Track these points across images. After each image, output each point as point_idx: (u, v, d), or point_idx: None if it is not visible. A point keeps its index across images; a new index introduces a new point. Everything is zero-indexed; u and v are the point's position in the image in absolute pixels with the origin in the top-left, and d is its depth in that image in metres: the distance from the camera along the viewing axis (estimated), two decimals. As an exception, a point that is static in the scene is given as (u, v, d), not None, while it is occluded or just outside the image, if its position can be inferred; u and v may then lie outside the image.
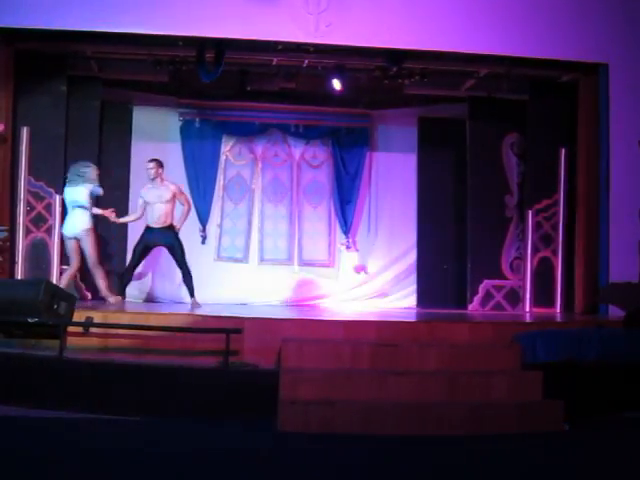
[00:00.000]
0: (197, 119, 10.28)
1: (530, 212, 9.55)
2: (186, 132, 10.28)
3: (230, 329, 6.38)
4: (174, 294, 9.63)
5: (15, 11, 8.03)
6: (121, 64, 9.54)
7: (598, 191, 8.95)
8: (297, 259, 10.53)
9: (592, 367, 6.46)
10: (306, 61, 9.16)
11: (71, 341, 6.50)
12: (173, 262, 8.78)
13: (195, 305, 8.52)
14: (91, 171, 8.51)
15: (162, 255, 9.23)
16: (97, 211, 8.60)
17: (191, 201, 9.39)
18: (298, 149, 10.66)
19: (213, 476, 4.61)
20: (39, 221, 8.90)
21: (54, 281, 8.21)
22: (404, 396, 6.03)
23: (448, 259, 10.41)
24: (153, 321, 6.75)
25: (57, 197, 8.85)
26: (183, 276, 8.70)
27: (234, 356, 6.40)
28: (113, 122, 9.81)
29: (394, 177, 10.64)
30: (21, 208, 8.82)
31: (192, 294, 8.65)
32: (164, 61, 9.15)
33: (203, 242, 10.13)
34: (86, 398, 6.01)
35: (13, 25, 8.15)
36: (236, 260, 10.45)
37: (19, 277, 8.66)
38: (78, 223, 8.38)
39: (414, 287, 10.49)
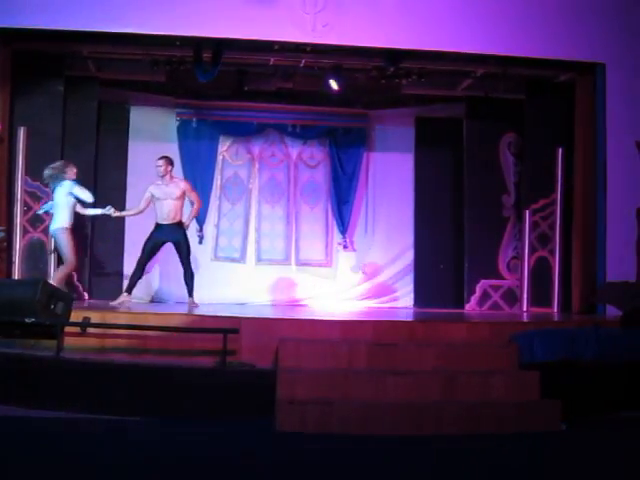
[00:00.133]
0: (194, 119, 10.28)
1: (527, 212, 9.56)
2: (183, 132, 10.27)
3: (227, 329, 6.37)
4: (180, 295, 9.56)
5: (12, 11, 8.02)
6: (118, 64, 9.54)
7: (595, 190, 8.96)
8: (294, 259, 10.53)
9: (589, 367, 6.47)
10: (303, 61, 9.16)
11: (68, 341, 6.48)
12: (179, 263, 8.74)
13: (192, 305, 8.51)
14: (61, 168, 8.14)
15: (169, 256, 9.14)
16: (95, 211, 8.53)
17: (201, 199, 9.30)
18: (295, 149, 10.66)
19: (211, 476, 4.61)
20: (36, 221, 8.87)
21: (51, 281, 8.18)
22: (401, 396, 6.04)
23: (445, 259, 10.42)
24: (150, 321, 6.74)
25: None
26: (185, 274, 8.67)
27: (231, 356, 6.39)
28: (110, 122, 9.83)
29: (391, 177, 10.65)
30: (18, 208, 8.80)
31: (191, 294, 8.64)
32: (161, 61, 9.15)
33: (200, 242, 10.11)
34: (83, 398, 6.00)
35: (10, 25, 8.14)
36: (233, 260, 10.45)
37: (16, 277, 8.65)
38: (55, 222, 8.13)
39: (411, 287, 10.50)
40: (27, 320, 6.26)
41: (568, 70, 9.30)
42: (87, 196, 8.15)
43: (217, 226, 10.43)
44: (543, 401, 6.11)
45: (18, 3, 8.06)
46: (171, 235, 8.64)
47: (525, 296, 9.53)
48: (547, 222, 9.55)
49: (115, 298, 8.60)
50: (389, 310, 10.00)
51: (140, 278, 8.76)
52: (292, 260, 10.53)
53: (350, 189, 10.56)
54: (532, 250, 9.56)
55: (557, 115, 9.53)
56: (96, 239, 9.57)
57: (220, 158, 10.51)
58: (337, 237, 10.58)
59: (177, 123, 10.25)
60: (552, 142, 9.54)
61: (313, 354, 6.40)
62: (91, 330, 6.69)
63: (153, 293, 9.96)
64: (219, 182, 10.47)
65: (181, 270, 8.71)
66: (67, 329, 6.55)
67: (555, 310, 9.32)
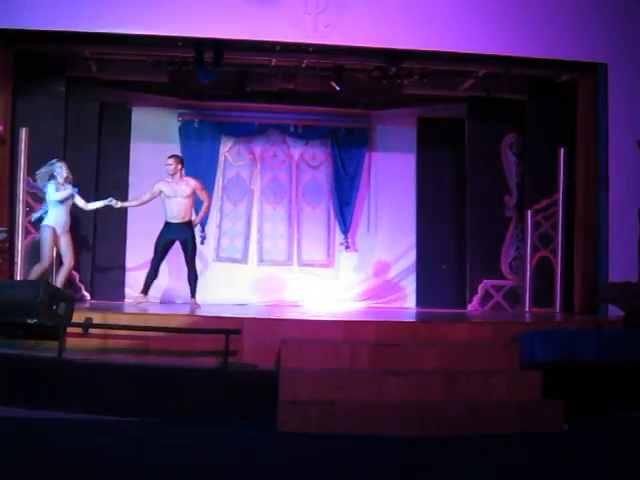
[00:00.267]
0: (196, 120, 10.27)
1: (529, 212, 9.55)
2: (185, 133, 10.26)
3: (229, 329, 6.37)
4: (186, 296, 9.51)
5: (14, 12, 8.03)
6: (120, 65, 9.54)
7: (597, 190, 8.96)
8: (296, 260, 10.52)
9: (591, 367, 6.48)
10: (305, 61, 9.15)
11: (70, 342, 6.49)
12: (184, 263, 8.72)
13: (194, 306, 8.52)
14: (53, 167, 8.15)
15: (177, 256, 9.11)
16: (97, 204, 8.50)
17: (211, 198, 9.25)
18: (297, 149, 10.65)
19: (213, 476, 4.61)
20: (38, 222, 8.87)
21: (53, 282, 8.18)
22: (404, 396, 6.04)
23: (447, 259, 10.41)
24: (152, 322, 6.74)
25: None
26: (189, 275, 8.66)
27: (233, 356, 6.40)
28: (112, 123, 9.83)
29: (393, 177, 10.64)
30: (20, 209, 8.80)
31: (193, 294, 8.64)
32: (163, 62, 9.16)
33: (202, 243, 10.07)
34: (86, 399, 6.00)
35: (12, 26, 8.15)
36: (235, 261, 10.44)
37: (18, 278, 8.65)
38: (45, 220, 8.26)
39: (413, 287, 10.49)
40: (29, 321, 6.26)
41: (570, 70, 9.29)
42: (62, 195, 8.11)
43: (219, 227, 10.42)
44: (545, 401, 6.12)
45: (20, 4, 8.07)
46: (180, 234, 8.63)
47: (527, 296, 9.51)
48: (549, 222, 9.54)
49: (117, 299, 8.60)
50: (391, 310, 9.99)
51: (155, 278, 8.73)
52: (294, 261, 10.52)
53: (352, 189, 10.55)
54: (534, 250, 9.55)
55: (559, 115, 9.52)
56: (98, 240, 9.55)
57: (222, 159, 10.50)
58: (339, 237, 10.57)
59: (179, 124, 10.24)
60: (554, 142, 9.53)
61: (315, 354, 6.40)
62: (93, 331, 6.68)
63: (161, 294, 9.89)
64: (221, 183, 10.46)
65: (185, 270, 8.71)
66: (69, 330, 6.56)
67: (557, 310, 9.31)
